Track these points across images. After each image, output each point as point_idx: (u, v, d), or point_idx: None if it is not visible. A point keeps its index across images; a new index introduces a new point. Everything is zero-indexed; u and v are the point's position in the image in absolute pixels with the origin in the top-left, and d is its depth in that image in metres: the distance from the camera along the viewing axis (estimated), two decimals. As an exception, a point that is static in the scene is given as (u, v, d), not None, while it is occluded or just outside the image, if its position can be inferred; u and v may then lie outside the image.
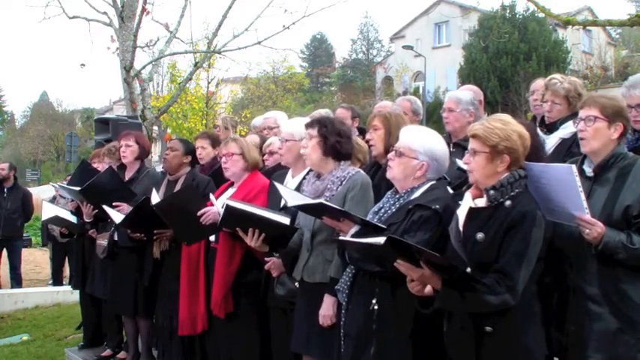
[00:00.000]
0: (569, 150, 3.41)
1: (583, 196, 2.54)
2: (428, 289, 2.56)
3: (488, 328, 2.55)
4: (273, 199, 3.84)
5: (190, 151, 4.77)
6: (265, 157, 4.45)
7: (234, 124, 6.08)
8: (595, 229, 2.57)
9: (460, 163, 3.41)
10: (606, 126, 2.74)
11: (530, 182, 2.67)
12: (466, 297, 2.45)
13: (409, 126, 3.15)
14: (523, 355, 2.57)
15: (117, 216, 4.54)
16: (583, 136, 2.80)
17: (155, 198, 4.40)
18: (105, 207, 4.59)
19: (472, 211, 2.65)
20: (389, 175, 3.03)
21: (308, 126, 3.44)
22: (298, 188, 3.56)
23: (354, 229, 2.97)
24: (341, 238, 2.88)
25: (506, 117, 2.70)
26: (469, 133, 2.67)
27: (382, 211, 3.02)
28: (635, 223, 2.64)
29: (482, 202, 2.65)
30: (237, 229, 3.58)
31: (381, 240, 2.40)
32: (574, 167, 2.55)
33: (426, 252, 2.41)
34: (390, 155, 3.03)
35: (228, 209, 3.52)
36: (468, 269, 2.53)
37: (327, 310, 3.21)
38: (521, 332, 2.57)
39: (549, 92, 3.70)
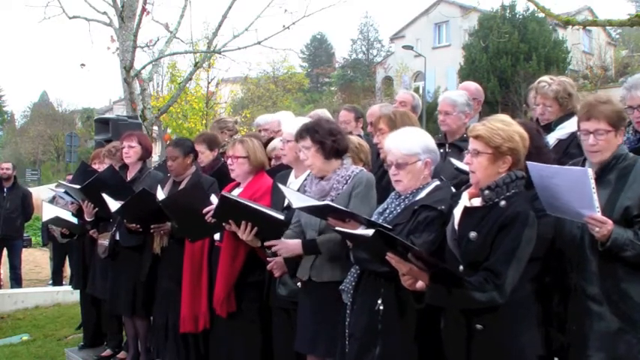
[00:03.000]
0: (566, 151, 3.41)
1: (596, 197, 2.54)
2: (420, 283, 2.58)
3: (478, 326, 2.58)
4: (276, 199, 3.84)
5: (189, 148, 4.70)
6: (272, 162, 4.46)
7: (223, 125, 5.96)
8: (606, 227, 2.56)
9: (457, 162, 3.42)
10: (614, 135, 2.75)
11: (539, 181, 2.68)
12: (453, 293, 2.48)
13: (391, 135, 3.08)
14: (513, 354, 2.58)
15: (114, 205, 4.53)
16: (595, 149, 2.76)
17: (160, 195, 4.42)
18: (104, 195, 4.57)
19: (467, 211, 2.68)
20: (399, 188, 3.00)
21: (298, 138, 3.39)
22: (301, 189, 3.57)
23: (360, 229, 2.97)
24: (337, 228, 2.88)
25: (506, 117, 2.72)
26: (471, 134, 2.67)
27: (387, 211, 3.03)
28: (637, 221, 2.64)
29: (477, 202, 2.68)
30: (230, 221, 3.58)
31: (369, 232, 2.45)
32: (590, 171, 2.55)
33: (409, 247, 2.45)
34: (391, 172, 2.99)
35: (223, 200, 3.53)
36: (461, 267, 2.57)
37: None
38: (513, 331, 2.58)
39: (539, 95, 3.70)
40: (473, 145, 2.66)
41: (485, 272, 2.50)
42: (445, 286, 2.49)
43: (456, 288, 2.47)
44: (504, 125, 2.63)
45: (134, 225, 4.63)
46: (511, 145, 2.60)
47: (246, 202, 3.57)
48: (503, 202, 2.58)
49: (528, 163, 2.67)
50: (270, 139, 4.86)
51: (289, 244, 3.36)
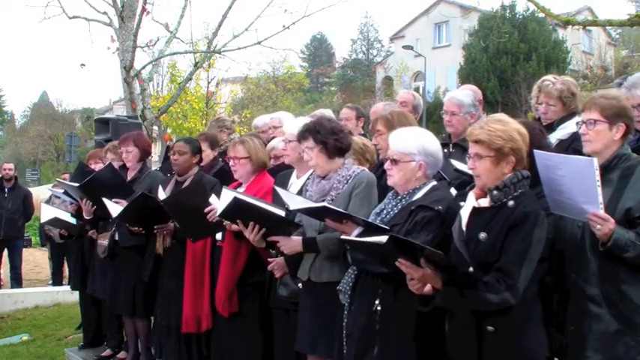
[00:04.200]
0: (567, 151, 3.40)
1: (599, 191, 2.52)
2: (427, 287, 2.57)
3: (490, 328, 2.56)
4: (277, 200, 3.83)
5: (197, 149, 4.70)
6: (271, 161, 4.46)
7: (221, 124, 5.93)
8: (607, 225, 2.55)
9: (457, 164, 3.41)
10: (607, 127, 2.72)
11: (544, 172, 2.67)
12: (466, 295, 2.47)
13: (395, 131, 3.12)
14: (525, 355, 2.58)
15: (114, 209, 4.53)
16: (585, 139, 2.78)
17: (162, 195, 4.42)
18: (104, 199, 4.58)
19: (475, 211, 2.66)
20: (390, 182, 3.01)
21: (301, 138, 3.41)
22: (303, 188, 3.56)
23: (357, 230, 2.96)
24: (343, 237, 2.88)
25: (504, 117, 2.71)
26: (470, 138, 2.66)
27: (384, 212, 3.03)
28: (639, 223, 2.61)
29: (485, 203, 2.66)
30: (238, 221, 3.56)
31: (383, 239, 2.40)
32: (595, 160, 2.53)
33: (428, 250, 2.42)
34: (386, 165, 3.02)
35: (236, 202, 3.46)
36: (471, 269, 2.54)
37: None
38: (523, 333, 2.58)
39: (543, 94, 3.70)
40: (474, 149, 2.64)
41: (497, 273, 2.48)
42: (458, 289, 2.47)
43: (469, 290, 2.46)
44: (503, 126, 2.62)
45: (137, 228, 4.63)
46: (513, 145, 2.60)
47: (259, 205, 3.52)
48: (511, 202, 2.57)
49: (535, 151, 2.67)
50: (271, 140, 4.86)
51: (290, 241, 3.39)
